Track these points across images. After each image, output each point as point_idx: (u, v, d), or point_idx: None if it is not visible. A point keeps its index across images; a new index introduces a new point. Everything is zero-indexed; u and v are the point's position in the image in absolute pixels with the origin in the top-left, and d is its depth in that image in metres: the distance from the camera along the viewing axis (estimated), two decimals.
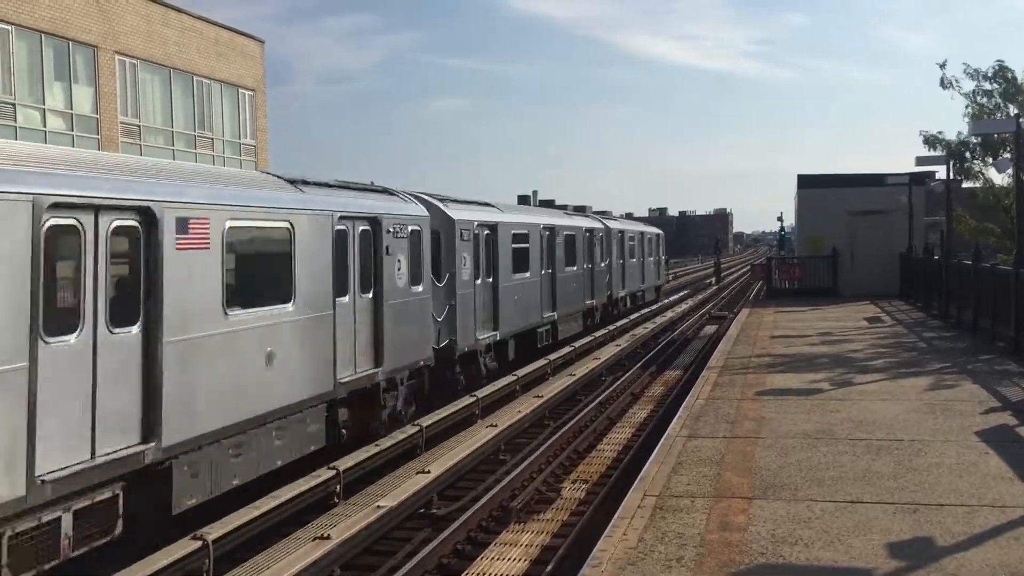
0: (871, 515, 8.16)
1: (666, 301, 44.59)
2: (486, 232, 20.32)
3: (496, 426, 14.97)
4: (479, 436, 14.29)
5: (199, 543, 8.85)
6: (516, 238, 22.22)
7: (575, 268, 27.71)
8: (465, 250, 18.88)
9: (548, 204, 48.47)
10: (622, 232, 35.32)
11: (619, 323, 31.62)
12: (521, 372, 19.80)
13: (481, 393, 17.17)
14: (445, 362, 17.79)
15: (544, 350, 23.53)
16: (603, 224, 32.41)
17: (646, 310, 37.82)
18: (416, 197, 17.07)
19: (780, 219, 67.68)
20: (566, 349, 24.04)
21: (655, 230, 45.25)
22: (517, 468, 13.00)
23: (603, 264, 31.70)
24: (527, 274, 22.91)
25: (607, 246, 32.33)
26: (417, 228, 15.82)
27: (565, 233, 26.82)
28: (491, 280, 20.61)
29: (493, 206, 22.21)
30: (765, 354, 18.92)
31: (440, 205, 18.36)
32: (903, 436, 11.18)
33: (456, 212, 18.88)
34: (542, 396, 17.71)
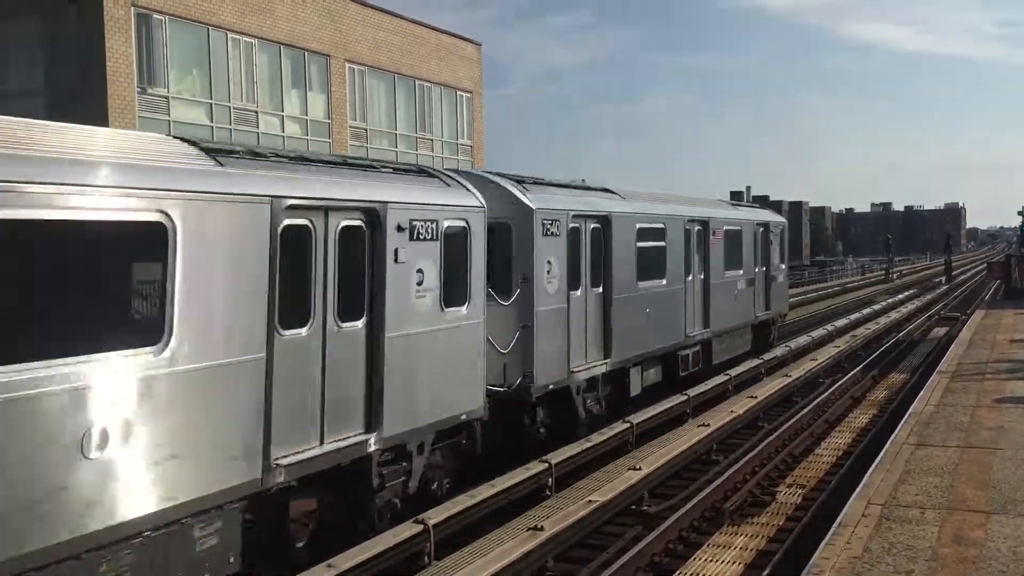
0: None
1: (889, 301, 41.91)
2: None
3: (708, 425, 14.75)
4: (691, 435, 14.14)
5: (421, 527, 9.28)
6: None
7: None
8: None
9: (762, 200, 46.65)
10: (604, 220, 14.94)
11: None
12: (734, 372, 19.40)
13: (692, 392, 16.97)
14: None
15: None
16: (520, 197, 13.10)
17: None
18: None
19: (1021, 214, 62.31)
20: (780, 349, 23.25)
21: (754, 216, 23.20)
22: (730, 469, 12.77)
23: (469, 306, 11.10)
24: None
25: (516, 254, 13.02)
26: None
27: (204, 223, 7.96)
28: None
29: None
30: (1003, 359, 17.60)
31: None
32: None
33: None
34: (756, 397, 17.29)
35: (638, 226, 16.22)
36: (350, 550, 8.61)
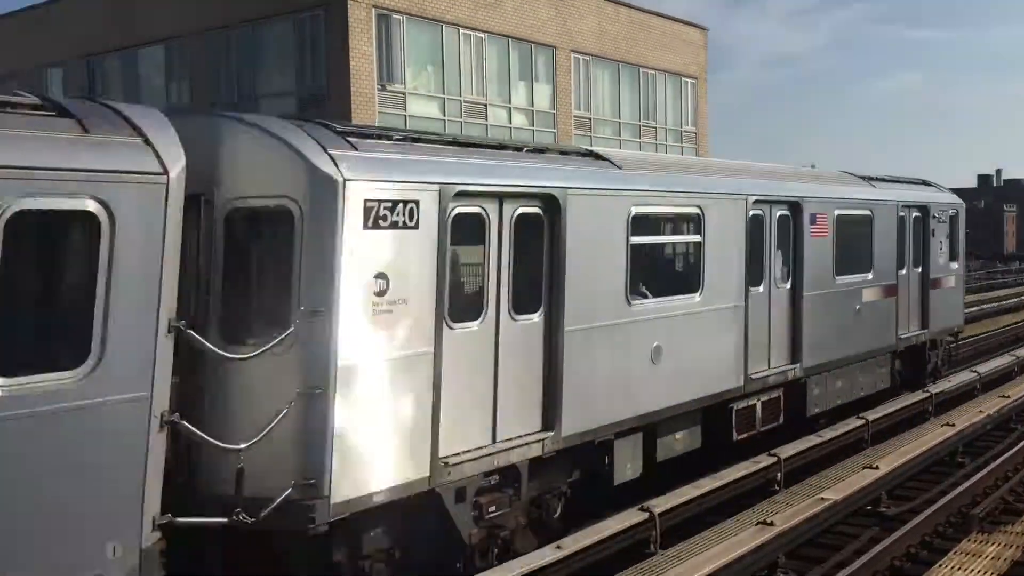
0: None
1: None
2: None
3: (953, 425, 13.86)
4: (934, 434, 13.35)
5: (646, 515, 9.32)
6: None
7: None
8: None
9: (1012, 184, 42.83)
10: (548, 201, 9.15)
11: None
12: (983, 369, 18.09)
13: (934, 389, 15.99)
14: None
15: None
16: (310, 160, 7.19)
17: None
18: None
19: None
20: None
21: (900, 195, 16.48)
22: (979, 472, 11.94)
23: (97, 370, 5.84)
24: None
25: (300, 265, 7.21)
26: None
27: None
28: None
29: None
30: None
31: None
32: None
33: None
34: (1008, 396, 16.04)
35: (635, 211, 10.17)
36: (578, 532, 8.80)
